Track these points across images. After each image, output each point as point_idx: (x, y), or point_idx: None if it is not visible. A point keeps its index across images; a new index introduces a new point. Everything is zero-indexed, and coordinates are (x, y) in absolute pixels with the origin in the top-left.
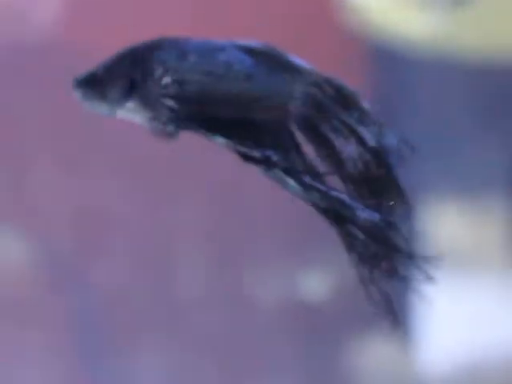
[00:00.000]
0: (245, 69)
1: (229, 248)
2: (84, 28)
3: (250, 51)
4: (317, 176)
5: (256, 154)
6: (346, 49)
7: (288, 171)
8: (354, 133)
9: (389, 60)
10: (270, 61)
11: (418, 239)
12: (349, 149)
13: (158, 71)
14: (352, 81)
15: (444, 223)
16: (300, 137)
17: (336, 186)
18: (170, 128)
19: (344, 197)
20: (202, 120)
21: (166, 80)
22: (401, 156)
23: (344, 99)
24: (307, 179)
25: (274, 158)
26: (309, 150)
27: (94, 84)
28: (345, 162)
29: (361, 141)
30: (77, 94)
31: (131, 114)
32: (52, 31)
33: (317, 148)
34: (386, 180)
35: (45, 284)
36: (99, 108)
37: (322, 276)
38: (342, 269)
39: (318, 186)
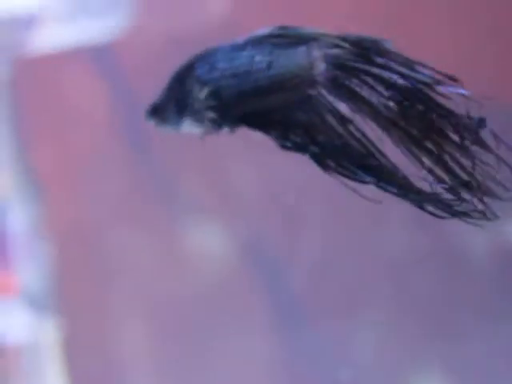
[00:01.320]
0: (265, 57)
1: None
2: (251, 10)
3: (264, 39)
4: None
5: (287, 143)
6: None
7: (313, 155)
8: (381, 79)
9: None
10: (284, 40)
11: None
12: (378, 96)
13: (196, 88)
14: None
15: None
16: (332, 99)
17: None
18: (224, 130)
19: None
20: (243, 118)
21: (204, 94)
22: None
23: (364, 51)
24: (330, 163)
25: (300, 143)
26: (343, 107)
27: (157, 112)
28: (378, 109)
29: (389, 84)
30: (151, 124)
31: (191, 128)
32: (220, 15)
33: (349, 104)
34: (428, 114)
35: (250, 267)
36: (169, 130)
37: None
38: None
39: (340, 169)
